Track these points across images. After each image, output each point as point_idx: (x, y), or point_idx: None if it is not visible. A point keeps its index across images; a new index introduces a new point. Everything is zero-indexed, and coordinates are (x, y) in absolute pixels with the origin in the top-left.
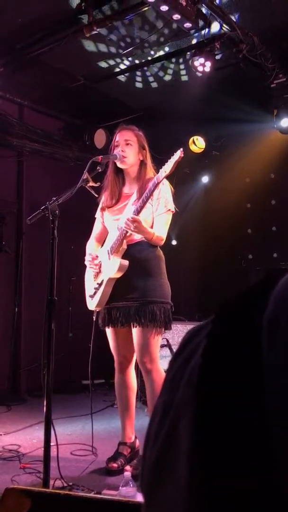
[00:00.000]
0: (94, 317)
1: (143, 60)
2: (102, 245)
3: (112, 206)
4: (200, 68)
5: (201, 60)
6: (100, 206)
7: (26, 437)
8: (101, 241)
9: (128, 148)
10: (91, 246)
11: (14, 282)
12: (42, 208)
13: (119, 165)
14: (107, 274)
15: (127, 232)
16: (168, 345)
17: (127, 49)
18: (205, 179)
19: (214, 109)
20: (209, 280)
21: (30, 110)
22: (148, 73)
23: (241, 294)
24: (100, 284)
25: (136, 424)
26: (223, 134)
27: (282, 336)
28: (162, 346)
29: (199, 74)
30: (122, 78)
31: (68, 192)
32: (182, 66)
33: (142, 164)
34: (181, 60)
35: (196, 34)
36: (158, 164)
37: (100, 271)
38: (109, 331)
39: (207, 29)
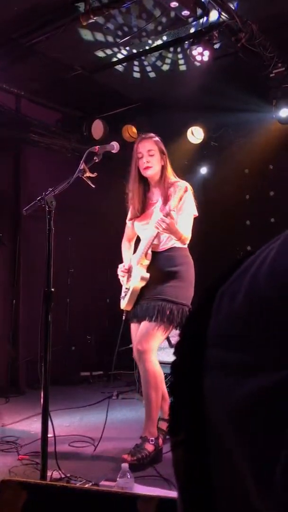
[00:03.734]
0: (124, 316)
1: (140, 50)
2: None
3: (140, 215)
4: (198, 58)
5: (200, 49)
6: (128, 216)
7: (24, 429)
8: (132, 240)
9: (151, 158)
10: (125, 246)
11: (12, 274)
12: (38, 199)
13: (145, 174)
14: (133, 282)
15: (157, 233)
16: (166, 337)
17: (124, 38)
18: (203, 170)
19: (213, 99)
20: (206, 271)
21: (27, 100)
22: (145, 63)
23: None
24: (128, 289)
25: (135, 415)
26: (222, 124)
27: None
28: None
29: (198, 64)
30: (119, 68)
31: (65, 183)
32: (180, 56)
33: (163, 168)
34: (179, 50)
35: (194, 23)
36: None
37: (130, 277)
38: (132, 326)
39: (205, 18)
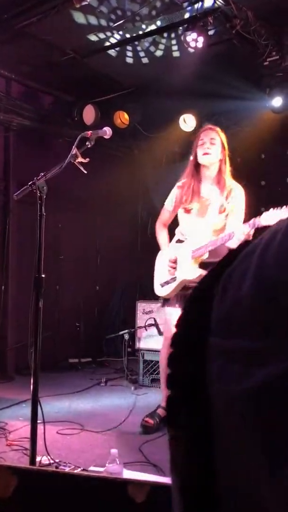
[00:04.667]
0: (161, 302)
1: (134, 34)
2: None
3: (189, 204)
4: (192, 44)
5: (194, 35)
6: (174, 199)
7: (13, 415)
8: (167, 225)
9: (212, 146)
10: (161, 230)
11: (1, 260)
12: (29, 183)
13: (201, 160)
14: (184, 275)
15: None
16: (155, 325)
17: (117, 22)
18: None
19: (206, 86)
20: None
21: (17, 84)
22: (139, 48)
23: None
24: (174, 279)
25: (123, 402)
26: (214, 112)
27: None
28: (150, 325)
29: (191, 50)
30: (112, 52)
31: (57, 168)
32: (174, 42)
33: (221, 164)
34: (173, 35)
35: (189, 8)
36: (146, 140)
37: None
38: (172, 310)
39: (200, 3)
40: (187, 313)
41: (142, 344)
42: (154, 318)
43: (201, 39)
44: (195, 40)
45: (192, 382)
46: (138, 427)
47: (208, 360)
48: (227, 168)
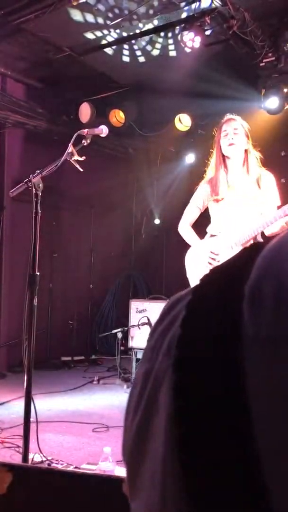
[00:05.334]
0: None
1: (131, 33)
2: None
3: (221, 196)
4: (189, 44)
5: (191, 35)
6: (203, 196)
7: (5, 412)
8: (191, 225)
9: (236, 136)
10: (189, 229)
11: None
12: (25, 180)
13: (226, 151)
14: None
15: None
16: (148, 323)
17: (115, 20)
18: (190, 158)
19: (202, 86)
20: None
21: (13, 80)
22: (135, 47)
23: (223, 265)
24: None
25: (115, 400)
26: (210, 112)
27: (264, 306)
28: (143, 324)
29: (188, 50)
30: (109, 51)
31: (53, 165)
32: (170, 41)
33: (247, 153)
34: (170, 35)
35: (186, 8)
36: (141, 139)
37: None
38: None
39: (197, 3)
40: (214, 278)
41: (135, 342)
42: (148, 317)
43: (198, 39)
44: (192, 40)
45: (225, 372)
46: None
47: (244, 345)
48: (254, 157)
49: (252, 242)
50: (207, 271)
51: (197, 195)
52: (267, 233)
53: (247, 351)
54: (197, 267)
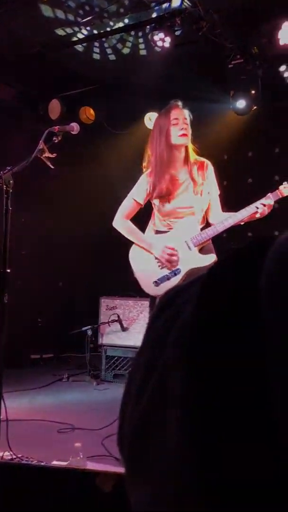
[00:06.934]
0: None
1: (101, 31)
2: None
3: (168, 195)
4: (159, 43)
5: (161, 35)
6: (144, 189)
7: None
8: (129, 219)
9: (187, 127)
10: (129, 224)
11: None
12: None
13: (177, 141)
14: (191, 265)
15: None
16: (118, 321)
17: (85, 17)
18: None
19: (172, 86)
20: None
21: None
22: (106, 45)
23: (235, 252)
24: (175, 273)
25: (85, 397)
26: None
27: (283, 293)
28: (113, 321)
29: (158, 49)
30: (79, 48)
31: (24, 162)
32: (141, 40)
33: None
34: (140, 34)
35: (157, 7)
36: (111, 137)
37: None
38: None
39: (168, 3)
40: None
41: (105, 339)
42: (118, 314)
43: (168, 39)
44: (162, 40)
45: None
46: (100, 422)
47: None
48: (193, 148)
49: (210, 241)
50: (162, 270)
51: (138, 188)
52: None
53: (267, 337)
54: (147, 265)
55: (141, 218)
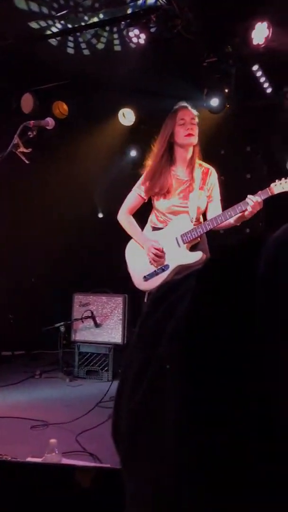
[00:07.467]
0: (146, 298)
1: (76, 25)
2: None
3: (166, 192)
4: (134, 40)
5: (136, 31)
6: (141, 188)
7: None
8: (132, 213)
9: (194, 127)
10: (129, 220)
11: None
12: None
13: (183, 141)
14: (179, 261)
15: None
16: (92, 317)
17: (60, 11)
18: (133, 152)
19: (146, 82)
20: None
21: None
22: (80, 39)
23: (229, 248)
24: (164, 268)
25: (57, 394)
26: (153, 108)
27: (281, 284)
28: (86, 317)
29: (133, 46)
30: (53, 42)
31: None
32: (115, 36)
33: (196, 146)
34: (115, 29)
35: (132, 3)
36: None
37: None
38: None
39: (143, 0)
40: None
41: (78, 336)
42: (91, 310)
43: (143, 36)
44: (137, 36)
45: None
46: (73, 418)
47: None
48: (198, 150)
49: (199, 239)
50: (151, 266)
51: (142, 183)
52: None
53: (263, 329)
54: (139, 260)
55: (141, 217)
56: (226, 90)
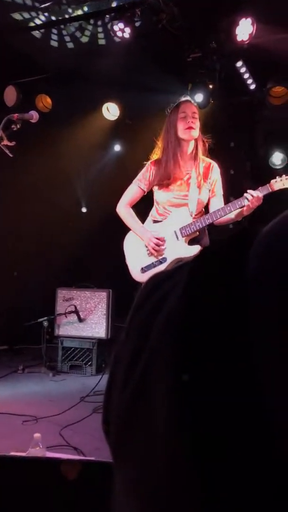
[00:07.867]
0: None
1: (60, 18)
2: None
3: (169, 181)
4: (119, 34)
5: (121, 25)
6: (148, 177)
7: None
8: (132, 205)
9: (195, 121)
10: (130, 211)
11: None
12: None
13: (185, 135)
14: (176, 254)
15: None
16: (76, 312)
17: (44, 3)
18: (117, 147)
19: (130, 76)
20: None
21: None
22: (64, 32)
23: (222, 240)
24: (162, 261)
25: (41, 389)
26: (137, 102)
27: (272, 276)
28: (70, 312)
29: (117, 40)
30: (37, 34)
31: None
32: (100, 29)
33: (199, 140)
34: (99, 23)
35: None
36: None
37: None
38: None
39: None
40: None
41: (61, 331)
42: (75, 305)
43: (128, 30)
44: (121, 30)
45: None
46: (57, 412)
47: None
48: (202, 144)
49: (197, 234)
50: (149, 258)
51: (143, 175)
52: (216, 222)
53: (253, 318)
54: (137, 252)
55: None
56: (211, 86)
